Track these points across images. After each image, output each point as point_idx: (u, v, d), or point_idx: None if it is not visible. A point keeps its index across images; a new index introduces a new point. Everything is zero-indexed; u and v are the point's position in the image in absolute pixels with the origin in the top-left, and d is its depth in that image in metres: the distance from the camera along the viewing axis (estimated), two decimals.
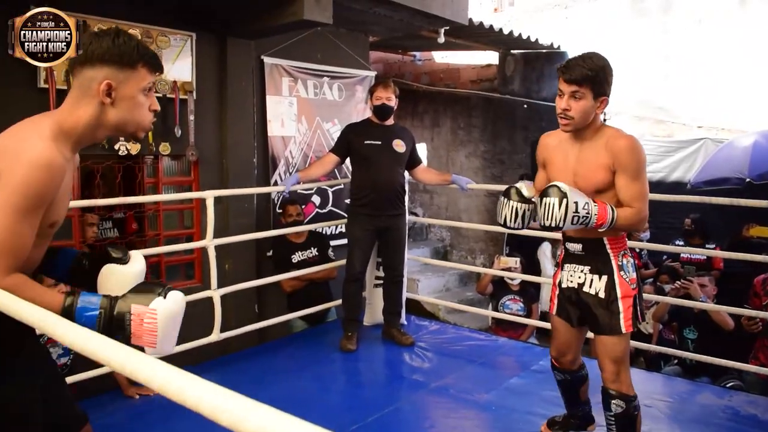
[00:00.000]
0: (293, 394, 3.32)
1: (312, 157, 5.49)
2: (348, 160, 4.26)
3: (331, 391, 3.58)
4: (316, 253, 4.82)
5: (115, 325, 1.41)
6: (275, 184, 5.18)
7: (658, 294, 5.25)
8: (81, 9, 3.97)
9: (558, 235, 5.62)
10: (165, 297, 1.44)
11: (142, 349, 1.42)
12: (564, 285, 2.56)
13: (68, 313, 1.39)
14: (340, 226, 5.46)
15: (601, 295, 2.42)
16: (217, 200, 3.74)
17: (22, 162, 1.40)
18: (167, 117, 4.39)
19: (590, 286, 2.45)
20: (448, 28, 5.73)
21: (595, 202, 2.27)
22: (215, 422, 0.74)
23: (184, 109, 4.48)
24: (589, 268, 2.46)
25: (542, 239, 6.22)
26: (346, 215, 4.83)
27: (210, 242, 3.62)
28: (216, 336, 3.66)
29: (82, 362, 3.43)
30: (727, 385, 4.07)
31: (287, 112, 5.33)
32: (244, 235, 4.28)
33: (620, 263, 2.42)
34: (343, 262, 4.34)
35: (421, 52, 9.07)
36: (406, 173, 4.24)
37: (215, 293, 3.66)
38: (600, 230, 2.28)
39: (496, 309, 5.66)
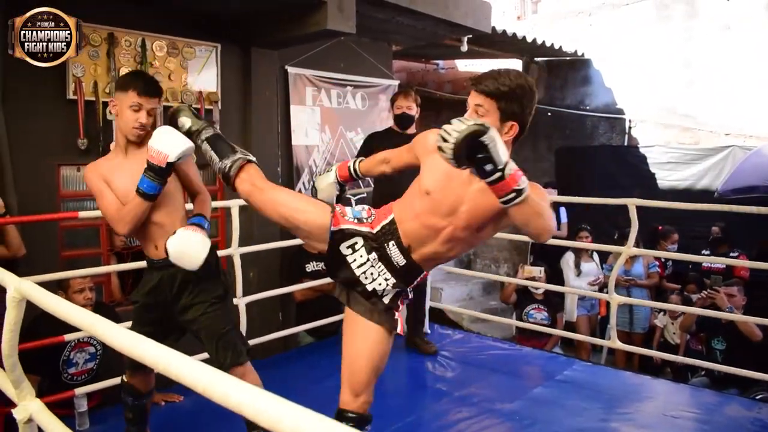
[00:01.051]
0: (316, 402, 3.31)
1: None
2: None
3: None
4: None
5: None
6: (299, 192, 5.21)
7: (685, 304, 5.19)
8: (110, 22, 4.06)
9: (582, 245, 5.56)
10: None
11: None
12: None
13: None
14: None
15: None
16: (242, 209, 3.76)
17: None
18: None
19: None
20: (471, 36, 5.74)
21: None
22: (259, 424, 0.76)
23: (210, 119, 4.54)
24: None
25: (565, 249, 6.18)
26: None
27: (235, 250, 3.65)
28: None
29: (107, 368, 3.48)
30: (756, 397, 3.99)
31: (311, 121, 5.38)
32: (268, 243, 4.30)
33: None
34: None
35: (444, 60, 9.09)
36: None
37: (240, 301, 3.68)
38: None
39: (520, 318, 5.63)
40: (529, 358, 4.30)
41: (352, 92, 5.69)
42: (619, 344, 4.09)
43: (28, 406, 1.50)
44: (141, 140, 2.41)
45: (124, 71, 4.11)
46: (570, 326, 5.86)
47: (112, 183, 2.39)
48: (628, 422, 3.26)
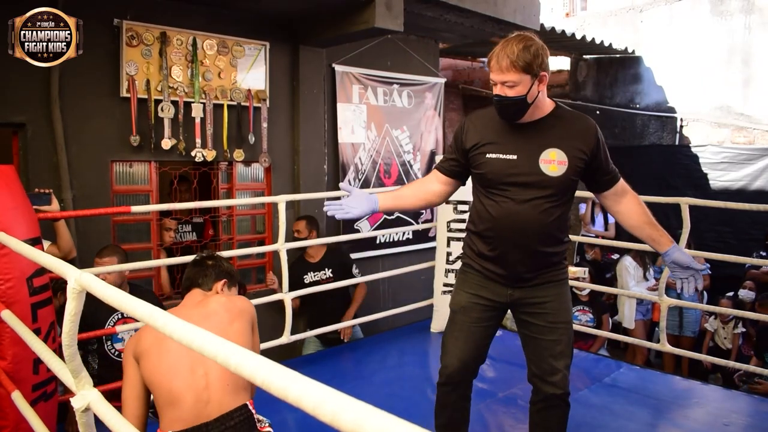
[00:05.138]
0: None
1: (381, 164, 5.54)
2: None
3: (396, 398, 3.58)
4: (331, 275, 4.52)
5: None
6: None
7: (737, 308, 5.03)
8: (162, 21, 4.14)
9: (632, 245, 5.42)
10: None
11: None
12: None
13: None
14: (407, 233, 5.51)
15: None
16: (289, 205, 3.80)
17: None
18: (242, 124, 4.52)
19: None
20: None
21: None
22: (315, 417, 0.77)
23: (258, 117, 4.60)
24: None
25: (623, 252, 6.03)
26: (411, 221, 4.79)
27: (282, 246, 3.68)
28: (286, 338, 3.72)
29: None
30: None
31: (357, 119, 5.40)
32: (314, 239, 4.34)
33: None
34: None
35: None
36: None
37: (286, 296, 3.72)
38: None
39: None
40: (575, 360, 4.18)
41: (398, 90, 5.69)
42: (669, 348, 4.00)
43: (87, 395, 1.53)
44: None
45: (175, 70, 4.20)
46: (617, 328, 5.75)
47: None
48: (679, 428, 3.19)
